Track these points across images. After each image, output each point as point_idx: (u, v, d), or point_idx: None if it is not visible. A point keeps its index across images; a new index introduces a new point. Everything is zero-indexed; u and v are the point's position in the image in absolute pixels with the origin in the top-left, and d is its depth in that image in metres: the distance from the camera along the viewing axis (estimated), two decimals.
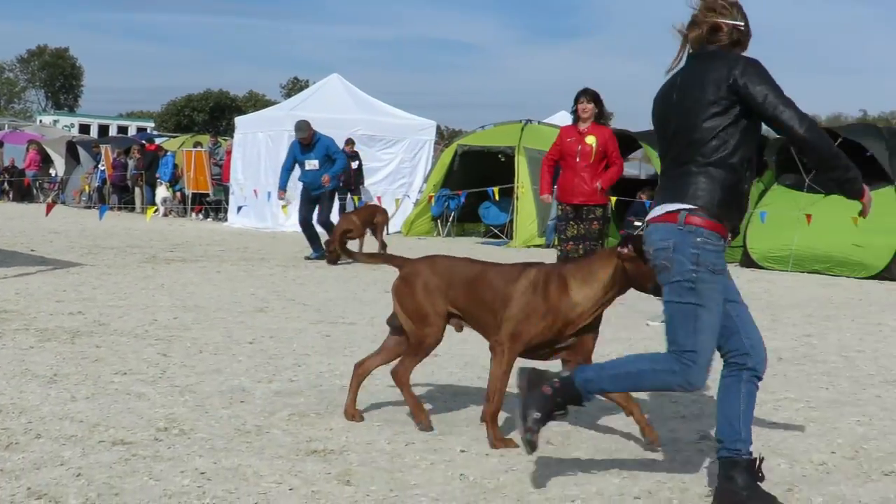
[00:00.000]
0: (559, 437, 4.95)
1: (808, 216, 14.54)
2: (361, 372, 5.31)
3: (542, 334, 4.67)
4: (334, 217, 14.87)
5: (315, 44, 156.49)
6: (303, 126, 14.20)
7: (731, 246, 15.14)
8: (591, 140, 9.62)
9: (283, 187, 14.72)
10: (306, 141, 14.09)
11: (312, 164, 14.13)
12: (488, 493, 4.06)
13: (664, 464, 4.54)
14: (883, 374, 6.91)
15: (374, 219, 14.70)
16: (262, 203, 21.25)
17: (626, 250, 4.40)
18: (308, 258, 14.10)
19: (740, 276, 13.64)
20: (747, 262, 15.50)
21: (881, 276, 14.08)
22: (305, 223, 14.33)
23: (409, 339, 5.06)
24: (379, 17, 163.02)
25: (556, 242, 10.03)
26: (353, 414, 5.19)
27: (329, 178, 13.97)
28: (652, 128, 4.34)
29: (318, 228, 14.32)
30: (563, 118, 25.17)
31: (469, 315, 4.94)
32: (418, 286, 4.98)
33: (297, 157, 14.32)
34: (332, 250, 13.19)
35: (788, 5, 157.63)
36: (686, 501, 4.03)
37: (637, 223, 16.49)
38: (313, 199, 14.22)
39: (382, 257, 5.53)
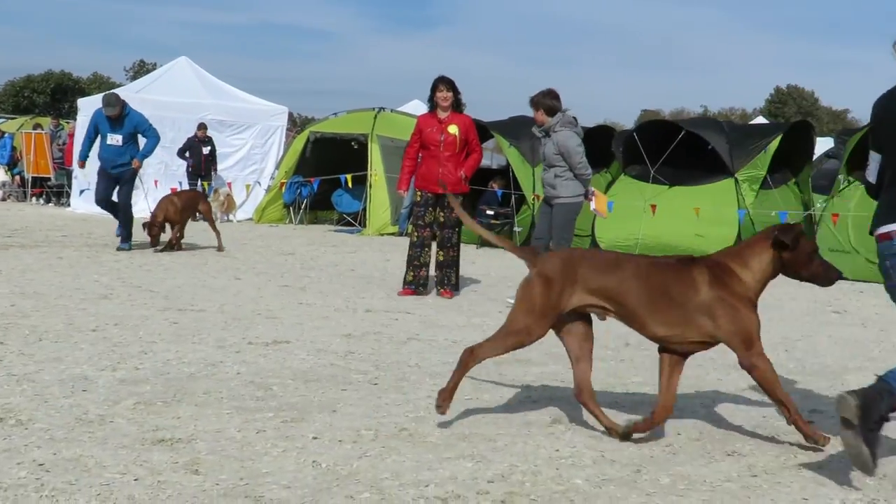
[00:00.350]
0: (413, 422, 4.92)
1: (654, 206, 14.97)
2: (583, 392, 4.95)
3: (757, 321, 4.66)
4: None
5: (162, 26, 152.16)
6: (112, 100, 13.00)
7: (580, 236, 15.57)
8: (453, 129, 9.67)
9: (83, 157, 13.54)
10: (115, 116, 12.92)
11: (115, 139, 12.96)
12: (341, 479, 4.00)
13: (517, 447, 4.57)
14: (723, 358, 7.11)
15: (197, 206, 13.88)
16: None
17: (784, 239, 4.58)
18: (120, 249, 13.00)
19: None
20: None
21: None
22: (104, 201, 13.23)
23: (509, 324, 4.85)
24: (229, 1, 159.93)
25: (409, 230, 10.00)
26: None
27: (139, 162, 13.04)
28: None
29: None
30: (417, 107, 25.25)
31: (623, 305, 4.76)
32: (554, 281, 4.72)
33: (99, 128, 13.10)
34: (154, 234, 12.83)
35: (635, 5, 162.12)
36: (539, 484, 4.06)
37: (489, 212, 16.67)
38: (113, 177, 13.06)
39: (513, 247, 5.14)
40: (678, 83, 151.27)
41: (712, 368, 6.71)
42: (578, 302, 4.74)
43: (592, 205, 9.67)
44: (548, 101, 9.35)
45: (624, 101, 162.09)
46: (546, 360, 6.72)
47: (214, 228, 13.84)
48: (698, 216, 14.61)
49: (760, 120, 40.57)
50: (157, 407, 5.01)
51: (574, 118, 9.47)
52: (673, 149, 15.79)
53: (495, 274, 12.26)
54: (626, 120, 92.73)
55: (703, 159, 15.65)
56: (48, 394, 5.18)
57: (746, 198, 14.98)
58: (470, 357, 4.79)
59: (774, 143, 15.41)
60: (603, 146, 17.58)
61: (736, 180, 15.13)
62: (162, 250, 12.91)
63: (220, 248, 13.42)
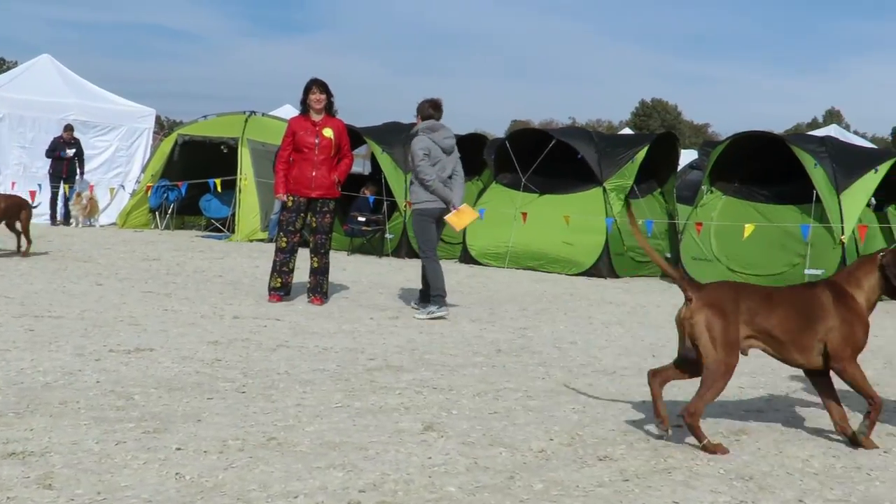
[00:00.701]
0: (281, 431, 4.78)
1: (524, 214, 15.10)
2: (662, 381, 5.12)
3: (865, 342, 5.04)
4: None
5: (23, 22, 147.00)
6: None
7: (451, 243, 15.62)
8: (328, 132, 9.54)
9: None
10: None
11: None
12: (206, 492, 3.84)
13: (389, 455, 4.47)
14: (594, 364, 7.21)
15: (19, 213, 12.93)
16: None
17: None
18: None
19: (459, 272, 13.99)
20: (466, 258, 15.90)
21: (589, 272, 14.82)
22: None
23: (709, 369, 4.80)
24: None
25: (278, 235, 9.78)
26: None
27: None
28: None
29: None
30: (289, 111, 24.92)
31: (775, 338, 4.95)
32: (728, 313, 4.82)
33: None
34: None
35: (507, 16, 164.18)
36: (411, 493, 3.97)
37: (361, 218, 16.56)
38: None
39: (681, 276, 5.13)
40: (548, 94, 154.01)
41: (582, 374, 6.75)
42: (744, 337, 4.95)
43: (449, 216, 9.54)
44: (425, 109, 9.53)
45: (495, 110, 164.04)
46: (418, 367, 6.65)
47: (27, 237, 12.96)
48: (568, 224, 14.79)
49: (627, 132, 41.52)
50: (9, 418, 4.74)
51: (434, 126, 9.47)
52: (543, 158, 15.97)
53: (366, 280, 12.15)
54: (497, 129, 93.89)
55: (573, 168, 15.86)
56: None
57: (614, 206, 15.23)
58: (692, 419, 4.81)
59: (641, 154, 15.72)
60: (475, 154, 17.68)
61: (604, 189, 15.37)
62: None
63: (25, 254, 12.75)
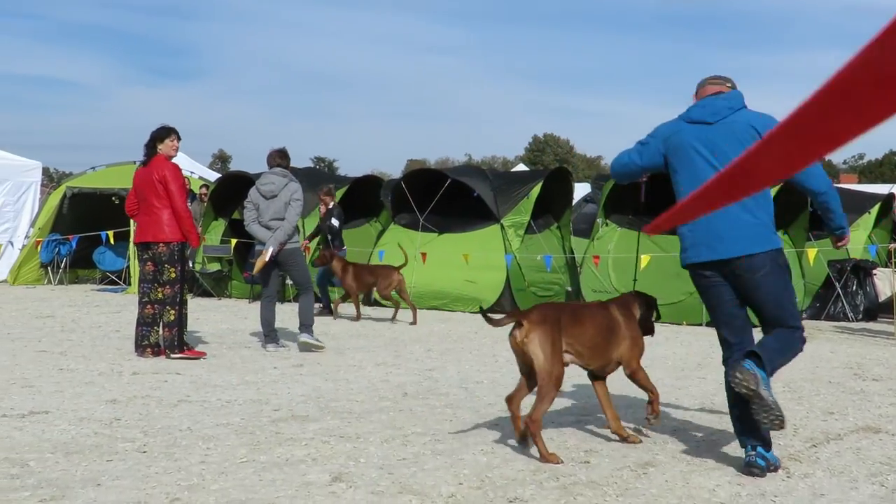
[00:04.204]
0: (185, 490, 4.65)
1: (424, 254, 15.13)
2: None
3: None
4: None
5: None
6: None
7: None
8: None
9: None
10: None
11: None
12: None
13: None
14: (500, 403, 7.19)
15: None
16: None
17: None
18: None
19: (363, 315, 13.90)
20: (369, 300, 15.83)
21: (492, 309, 14.89)
22: None
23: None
24: None
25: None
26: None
27: None
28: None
29: None
30: (180, 159, 24.62)
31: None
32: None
33: None
34: None
35: (391, 58, 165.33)
36: None
37: None
38: None
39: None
40: (442, 133, 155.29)
41: (489, 414, 6.75)
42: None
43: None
44: (269, 158, 10.32)
45: (390, 151, 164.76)
46: (324, 415, 6.57)
47: None
48: (468, 262, 14.87)
49: (521, 167, 42.08)
50: None
51: (264, 172, 10.36)
52: (440, 197, 16.06)
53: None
54: (393, 169, 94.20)
55: (470, 206, 15.99)
56: None
57: (513, 243, 15.38)
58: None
59: (536, 190, 15.93)
60: (372, 196, 17.71)
61: (502, 226, 15.52)
62: None
63: None
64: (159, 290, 9.31)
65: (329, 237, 14.34)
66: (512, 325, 5.53)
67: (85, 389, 7.44)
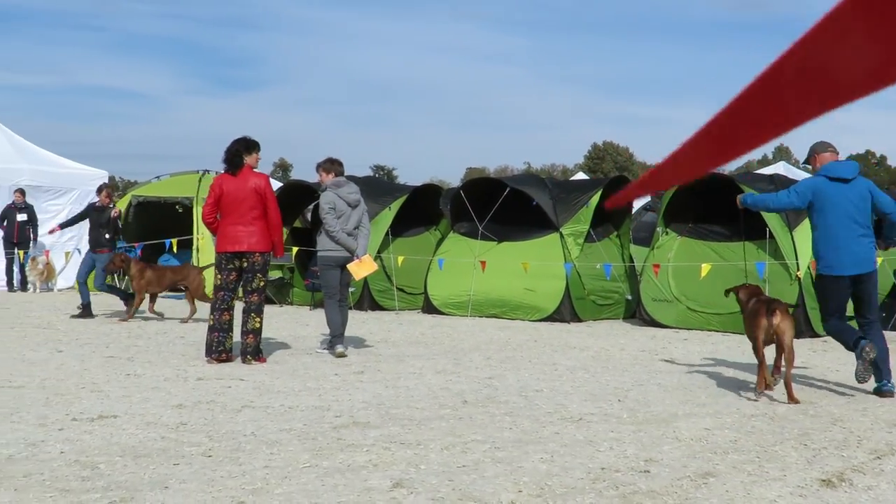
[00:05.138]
0: (250, 494, 4.75)
1: (483, 263, 15.17)
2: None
3: None
4: None
5: None
6: None
7: (412, 293, 15.65)
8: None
9: None
10: None
11: None
12: None
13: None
14: (560, 411, 7.24)
15: None
16: None
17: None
18: None
19: (423, 323, 14.00)
20: (428, 308, 15.91)
21: (552, 318, 14.89)
22: None
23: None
24: (38, 64, 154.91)
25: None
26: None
27: None
28: None
29: None
30: None
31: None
32: None
33: None
34: None
35: (451, 67, 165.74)
36: None
37: None
38: None
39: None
40: (501, 141, 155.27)
41: (549, 422, 6.77)
42: None
43: (351, 265, 10.39)
44: (326, 165, 10.51)
45: (449, 159, 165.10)
46: (385, 422, 6.65)
47: None
48: (527, 271, 14.88)
49: (581, 175, 41.96)
50: None
51: (339, 183, 10.43)
52: (499, 205, 16.09)
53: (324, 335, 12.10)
54: (452, 177, 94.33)
55: (529, 215, 15.99)
56: None
57: (572, 251, 15.35)
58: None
59: (595, 198, 15.88)
60: (431, 204, 17.79)
61: (561, 235, 15.49)
62: None
63: None
64: (244, 298, 9.58)
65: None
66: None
67: (151, 394, 7.60)
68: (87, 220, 14.90)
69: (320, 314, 15.17)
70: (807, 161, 8.77)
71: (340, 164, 10.60)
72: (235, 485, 4.96)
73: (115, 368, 8.93)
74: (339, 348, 10.12)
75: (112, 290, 14.79)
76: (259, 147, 9.74)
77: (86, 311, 14.22)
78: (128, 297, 14.41)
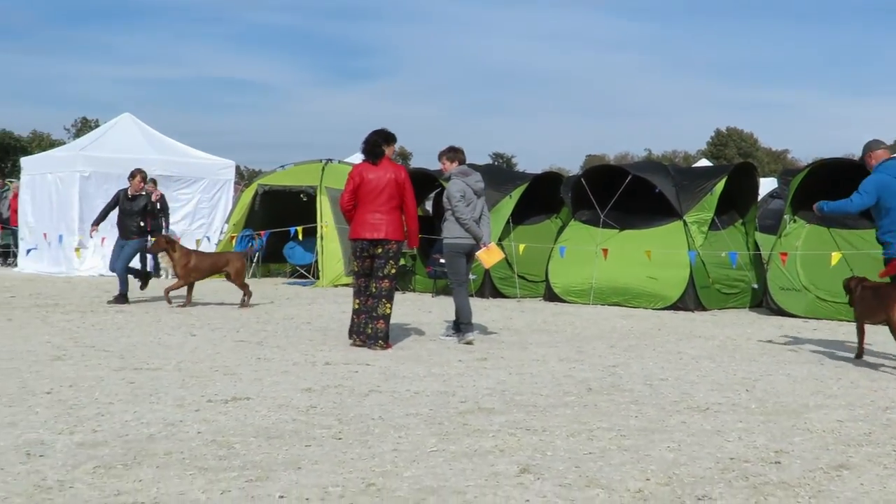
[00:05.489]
0: (380, 477, 4.84)
1: (605, 250, 15.07)
2: None
3: None
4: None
5: (102, 83, 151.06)
6: None
7: (533, 281, 15.65)
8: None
9: None
10: None
11: None
12: None
13: (486, 499, 4.51)
14: (686, 400, 7.17)
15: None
16: (55, 247, 20.33)
17: None
18: None
19: (544, 310, 14.00)
20: (550, 296, 15.89)
21: (675, 306, 14.71)
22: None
23: None
24: (169, 57, 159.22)
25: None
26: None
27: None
28: None
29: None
30: (357, 156, 25.18)
31: None
32: None
33: None
34: None
35: (569, 53, 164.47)
36: None
37: (443, 260, 16.64)
38: None
39: None
40: (621, 127, 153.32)
41: (675, 411, 6.71)
42: None
43: (480, 253, 10.57)
44: (450, 154, 10.64)
45: (569, 146, 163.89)
46: (510, 408, 6.69)
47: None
48: (650, 259, 14.73)
49: (704, 162, 41.21)
50: (118, 470, 4.90)
51: (466, 171, 10.54)
52: (621, 193, 15.94)
53: (448, 322, 12.20)
54: (571, 165, 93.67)
55: (651, 203, 15.81)
56: (4, 460, 5.04)
57: (696, 239, 15.13)
58: None
59: (720, 185, 15.61)
60: (551, 192, 17.73)
61: (685, 222, 15.28)
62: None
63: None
64: (374, 284, 9.74)
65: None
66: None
67: (282, 378, 7.80)
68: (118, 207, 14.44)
69: (442, 301, 15.34)
70: (862, 158, 9.56)
71: (463, 153, 10.70)
72: (365, 466, 5.07)
73: (246, 352, 9.19)
74: (470, 336, 10.19)
75: (130, 272, 14.40)
76: (395, 139, 9.95)
77: (122, 299, 13.98)
78: (146, 276, 14.51)
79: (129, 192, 14.32)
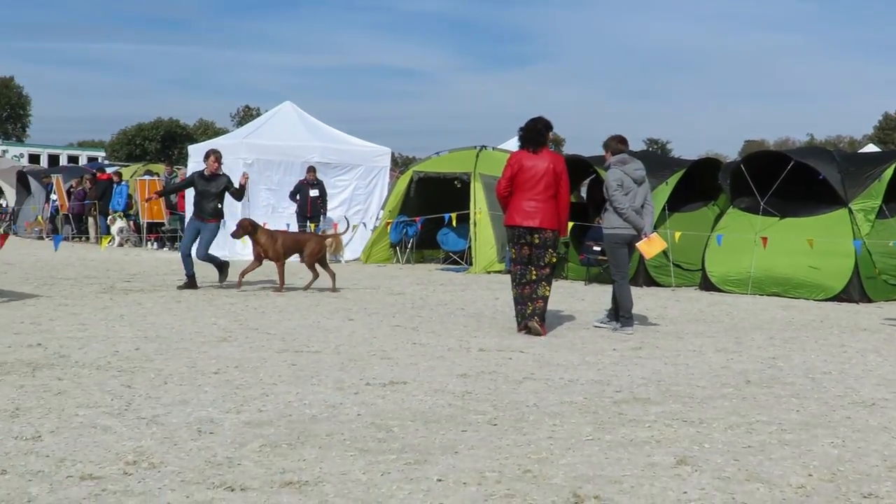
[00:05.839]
0: (536, 463, 4.88)
1: (764, 239, 14.67)
2: None
3: None
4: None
5: (263, 72, 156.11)
6: None
7: (689, 269, 15.46)
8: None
9: None
10: None
11: None
12: None
13: (643, 490, 4.49)
14: (850, 395, 6.94)
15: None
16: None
17: None
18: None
19: (701, 300, 13.76)
20: (706, 285, 15.58)
21: (838, 297, 14.22)
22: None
23: None
24: (326, 45, 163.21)
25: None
26: None
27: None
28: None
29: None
30: (517, 144, 25.18)
31: None
32: None
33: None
34: None
35: (740, 33, 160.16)
36: None
37: (596, 248, 16.55)
38: None
39: None
40: (782, 111, 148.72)
41: (839, 406, 6.52)
42: None
43: (640, 243, 10.45)
44: (613, 144, 10.60)
45: (726, 131, 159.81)
46: (665, 399, 6.62)
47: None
48: (812, 248, 14.26)
49: (871, 147, 39.58)
50: (283, 449, 5.08)
51: (625, 160, 10.44)
52: (782, 180, 15.48)
53: (605, 310, 12.13)
54: (729, 151, 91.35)
55: (814, 190, 15.29)
56: (177, 437, 5.29)
57: (861, 228, 14.58)
58: None
59: (889, 172, 14.99)
60: (709, 178, 17.35)
61: (850, 210, 14.74)
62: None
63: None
64: (534, 271, 9.80)
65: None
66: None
67: (437, 363, 7.92)
68: (193, 188, 14.20)
69: (595, 289, 15.26)
70: None
71: (622, 142, 10.61)
72: (521, 453, 5.11)
73: (402, 337, 9.36)
74: (629, 329, 10.12)
75: (212, 259, 14.08)
76: (553, 128, 9.99)
77: (191, 282, 13.76)
78: (222, 266, 14.07)
79: (204, 173, 14.01)
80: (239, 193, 14.28)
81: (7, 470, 4.54)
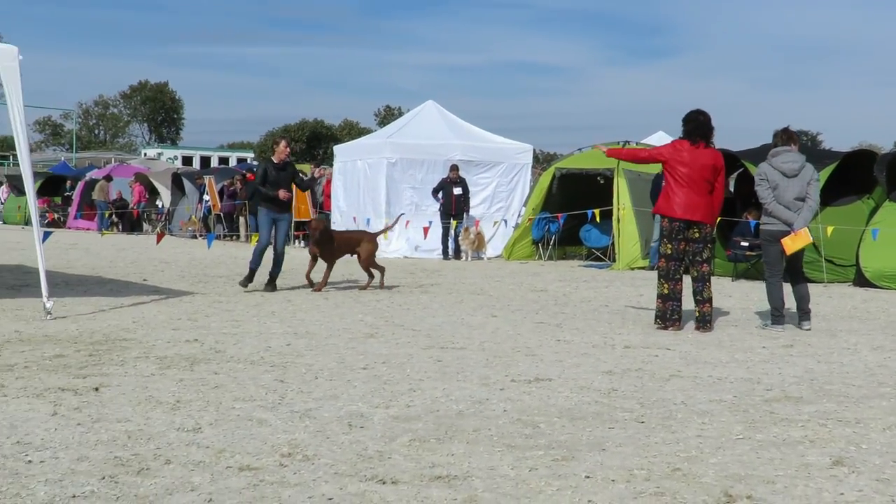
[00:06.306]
0: (685, 462, 4.82)
1: None
2: None
3: None
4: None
5: (404, 71, 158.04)
6: None
7: (842, 265, 15.08)
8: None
9: None
10: None
11: None
12: None
13: (797, 490, 4.39)
14: None
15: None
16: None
17: None
18: None
19: (855, 296, 13.33)
20: (861, 281, 15.06)
21: None
22: None
23: None
24: (466, 43, 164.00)
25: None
26: None
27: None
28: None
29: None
30: (661, 138, 24.87)
31: None
32: None
33: None
34: None
35: (881, 23, 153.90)
36: None
37: (744, 243, 16.19)
38: None
39: None
40: None
41: None
42: None
43: (786, 238, 10.01)
44: (775, 137, 10.30)
45: (881, 121, 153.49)
46: (819, 398, 6.45)
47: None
48: None
49: None
50: (431, 444, 5.16)
51: (776, 152, 10.09)
52: None
53: (753, 307, 11.88)
54: (884, 141, 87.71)
55: None
56: (329, 430, 5.44)
57: None
58: None
59: None
60: (864, 171, 16.75)
61: None
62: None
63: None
64: (695, 269, 9.76)
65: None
66: None
67: (582, 360, 7.90)
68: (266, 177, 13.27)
69: (742, 285, 14.94)
70: None
71: (783, 135, 10.24)
72: (670, 451, 5.06)
73: (546, 334, 9.36)
74: (779, 328, 9.92)
75: (283, 257, 13.52)
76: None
77: (251, 277, 13.22)
78: (279, 270, 13.38)
79: (275, 161, 13.31)
80: (305, 184, 13.85)
81: (171, 460, 4.75)
